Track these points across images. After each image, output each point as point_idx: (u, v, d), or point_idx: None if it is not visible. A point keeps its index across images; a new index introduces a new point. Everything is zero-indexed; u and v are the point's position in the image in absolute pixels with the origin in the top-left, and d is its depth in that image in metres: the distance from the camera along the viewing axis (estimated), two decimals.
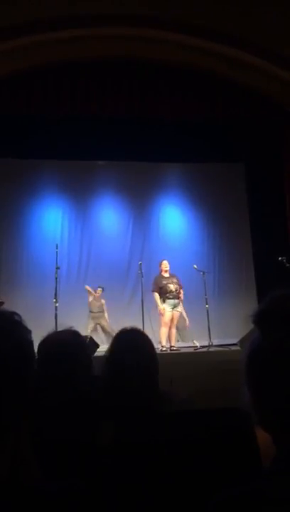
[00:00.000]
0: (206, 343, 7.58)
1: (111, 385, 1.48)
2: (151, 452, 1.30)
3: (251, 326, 0.80)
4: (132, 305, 8.57)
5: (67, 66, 7.20)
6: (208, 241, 9.81)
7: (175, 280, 7.46)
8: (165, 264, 7.60)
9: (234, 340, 7.10)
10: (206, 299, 8.04)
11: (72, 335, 1.80)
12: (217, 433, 1.32)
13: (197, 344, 7.79)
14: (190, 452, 1.29)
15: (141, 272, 7.93)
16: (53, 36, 6.68)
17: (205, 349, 7.44)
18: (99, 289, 8.33)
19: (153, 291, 7.51)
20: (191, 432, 1.34)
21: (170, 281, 7.43)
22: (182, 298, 7.58)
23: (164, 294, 7.38)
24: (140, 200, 9.68)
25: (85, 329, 7.74)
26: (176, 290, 7.38)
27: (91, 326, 8.01)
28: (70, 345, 1.69)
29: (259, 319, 0.77)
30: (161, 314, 7.39)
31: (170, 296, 7.33)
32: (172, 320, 7.32)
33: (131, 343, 1.57)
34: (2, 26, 6.41)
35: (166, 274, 7.53)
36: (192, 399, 1.61)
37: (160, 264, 7.67)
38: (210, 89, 7.65)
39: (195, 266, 8.23)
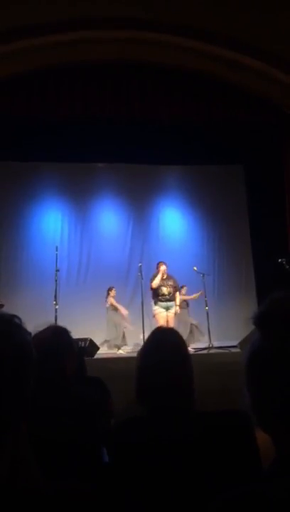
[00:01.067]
0: (206, 345, 7.59)
1: (142, 383, 1.47)
2: (154, 453, 1.30)
3: (252, 327, 0.80)
4: (132, 306, 8.56)
5: (67, 68, 7.21)
6: (208, 243, 9.82)
7: (170, 283, 7.42)
8: (162, 268, 7.54)
9: (234, 342, 7.11)
10: (206, 301, 8.05)
11: (53, 333, 1.76)
12: (218, 434, 1.32)
13: (192, 350, 7.79)
14: (190, 453, 1.29)
15: (141, 274, 7.93)
16: (53, 39, 6.69)
17: (205, 351, 7.44)
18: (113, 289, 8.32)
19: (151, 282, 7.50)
20: (191, 432, 1.34)
21: (164, 283, 7.41)
22: (177, 299, 7.53)
23: (156, 297, 7.39)
24: (139, 203, 9.70)
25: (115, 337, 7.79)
26: (169, 294, 7.37)
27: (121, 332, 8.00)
28: (50, 345, 1.65)
29: (260, 321, 0.77)
30: (155, 316, 7.39)
31: (163, 299, 7.34)
32: (167, 323, 7.30)
33: (163, 342, 1.55)
34: (2, 29, 6.42)
35: (163, 277, 7.50)
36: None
37: (157, 267, 7.59)
38: (210, 92, 7.65)
39: (195, 268, 8.24)
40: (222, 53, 7.12)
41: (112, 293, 8.24)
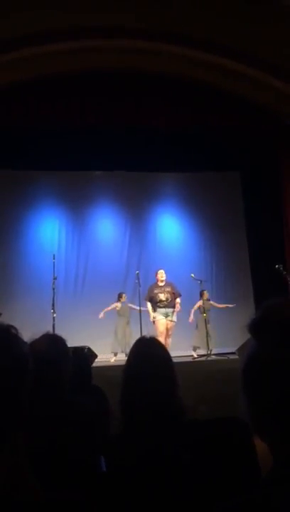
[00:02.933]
0: (204, 352, 7.57)
1: (127, 395, 1.46)
2: (152, 463, 1.29)
3: (249, 334, 0.80)
4: (130, 314, 8.54)
5: (65, 77, 7.25)
6: (205, 250, 9.82)
7: (168, 289, 7.43)
8: (161, 274, 7.59)
9: (233, 349, 7.09)
10: (204, 307, 8.04)
11: (49, 341, 1.75)
12: (216, 442, 1.32)
13: (195, 355, 7.80)
14: (188, 462, 1.29)
15: (139, 281, 7.92)
16: (51, 48, 6.73)
17: (203, 358, 7.43)
18: (124, 295, 8.31)
19: (145, 299, 7.53)
20: (189, 441, 1.33)
21: (162, 290, 7.41)
22: (177, 306, 7.53)
23: (155, 304, 7.38)
24: (137, 210, 9.71)
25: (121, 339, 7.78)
26: (167, 299, 7.35)
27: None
28: (47, 354, 1.64)
29: (255, 328, 0.77)
30: (153, 323, 7.38)
31: (161, 306, 7.33)
32: (167, 330, 7.28)
33: (146, 352, 1.54)
34: (1, 38, 6.45)
35: (161, 284, 7.52)
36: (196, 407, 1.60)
37: (156, 274, 7.66)
38: (207, 100, 7.71)
39: (193, 275, 8.24)
40: (219, 62, 7.17)
41: (123, 298, 8.24)
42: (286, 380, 0.70)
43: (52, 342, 1.74)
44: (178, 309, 7.48)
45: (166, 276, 7.65)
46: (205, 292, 8.29)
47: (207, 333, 7.68)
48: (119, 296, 8.20)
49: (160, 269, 7.72)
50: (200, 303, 8.14)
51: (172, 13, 6.41)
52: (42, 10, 6.11)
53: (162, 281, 7.55)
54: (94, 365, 6.56)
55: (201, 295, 8.22)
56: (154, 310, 7.41)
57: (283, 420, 0.70)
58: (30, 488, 0.77)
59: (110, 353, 7.82)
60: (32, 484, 0.78)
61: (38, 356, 1.51)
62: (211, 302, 8.30)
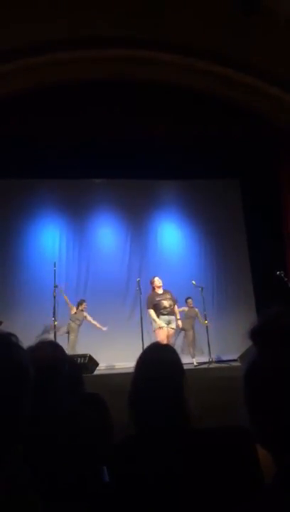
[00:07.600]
0: (206, 360, 7.54)
1: (135, 399, 1.45)
2: (154, 472, 1.29)
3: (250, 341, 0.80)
4: (131, 322, 8.54)
5: (64, 87, 7.28)
6: (206, 257, 9.83)
7: (168, 296, 7.38)
8: (158, 281, 7.52)
9: (235, 356, 7.07)
10: (205, 314, 8.02)
11: (47, 349, 1.73)
12: (218, 451, 1.31)
13: (195, 362, 7.78)
14: (191, 470, 1.28)
15: (140, 289, 7.90)
16: (51, 58, 6.77)
17: (205, 365, 7.40)
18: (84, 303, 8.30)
19: (147, 308, 7.44)
20: (192, 450, 1.33)
21: (163, 297, 7.36)
22: (177, 313, 7.50)
23: (158, 311, 7.29)
24: (137, 218, 9.73)
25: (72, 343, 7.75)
26: (170, 306, 7.30)
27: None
28: (48, 361, 1.62)
29: (255, 336, 0.77)
30: (155, 331, 7.31)
31: (165, 313, 7.26)
32: (167, 337, 7.24)
33: (156, 358, 1.53)
34: (1, 48, 6.50)
35: (159, 291, 7.44)
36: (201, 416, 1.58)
37: (152, 282, 7.59)
38: (206, 108, 7.74)
39: (194, 282, 8.23)
40: (216, 70, 7.20)
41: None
42: (287, 388, 0.70)
43: (51, 349, 1.73)
44: (178, 317, 7.45)
45: (163, 283, 7.60)
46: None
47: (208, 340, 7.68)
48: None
49: (156, 276, 7.64)
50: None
51: (170, 22, 6.46)
52: (40, 21, 6.16)
53: (159, 287, 7.49)
54: (95, 373, 6.56)
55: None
56: (157, 317, 7.34)
57: (285, 428, 0.70)
58: (30, 501, 0.76)
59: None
60: (31, 497, 0.77)
61: (37, 363, 1.50)
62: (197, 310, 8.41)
